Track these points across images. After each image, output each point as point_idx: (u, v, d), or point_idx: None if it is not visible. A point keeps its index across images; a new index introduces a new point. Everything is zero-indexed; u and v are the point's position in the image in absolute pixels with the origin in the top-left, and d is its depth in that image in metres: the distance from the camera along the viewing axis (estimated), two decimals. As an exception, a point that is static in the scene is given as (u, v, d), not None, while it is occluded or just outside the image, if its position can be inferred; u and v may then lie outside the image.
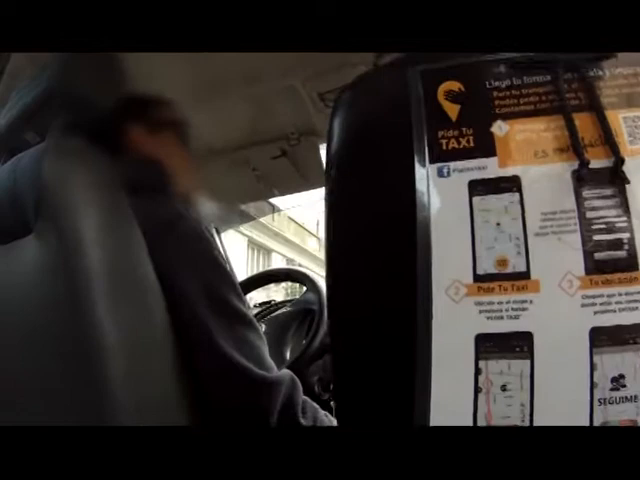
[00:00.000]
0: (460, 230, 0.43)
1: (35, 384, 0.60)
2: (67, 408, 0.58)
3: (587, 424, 0.40)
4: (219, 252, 0.74)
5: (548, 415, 0.41)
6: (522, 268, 0.42)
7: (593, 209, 0.43)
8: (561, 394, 0.41)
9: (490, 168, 0.44)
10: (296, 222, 13.69)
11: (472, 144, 0.45)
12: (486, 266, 0.43)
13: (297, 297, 1.59)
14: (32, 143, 0.72)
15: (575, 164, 0.44)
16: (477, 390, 0.41)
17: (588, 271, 0.42)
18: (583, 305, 0.41)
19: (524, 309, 0.42)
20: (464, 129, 0.46)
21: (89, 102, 0.72)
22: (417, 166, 0.45)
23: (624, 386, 0.40)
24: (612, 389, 0.40)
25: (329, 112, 0.52)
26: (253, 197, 1.60)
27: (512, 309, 0.42)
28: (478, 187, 0.44)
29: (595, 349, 0.40)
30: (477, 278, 0.43)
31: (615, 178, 0.43)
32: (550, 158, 0.44)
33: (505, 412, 0.41)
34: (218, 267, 0.73)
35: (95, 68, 0.71)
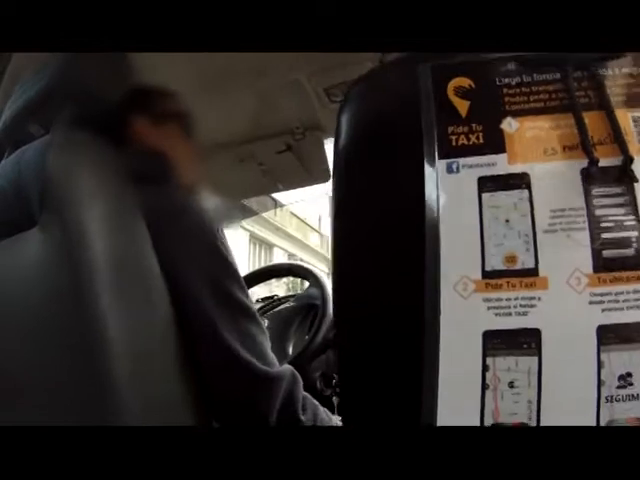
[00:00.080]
0: (469, 226, 0.43)
1: (39, 376, 0.60)
2: (71, 401, 0.58)
3: (594, 422, 0.40)
4: (223, 244, 0.74)
5: (555, 412, 0.41)
6: (531, 265, 0.42)
7: (602, 207, 0.43)
8: (568, 391, 0.41)
9: (500, 165, 0.44)
10: (298, 217, 13.70)
11: (482, 140, 0.45)
12: (495, 262, 0.43)
13: (299, 292, 1.58)
14: (36, 136, 0.72)
15: (584, 162, 0.44)
16: (484, 387, 0.41)
17: (596, 269, 0.42)
18: (591, 302, 0.41)
19: (532, 306, 0.42)
20: (474, 125, 0.46)
21: (93, 95, 0.72)
22: (426, 162, 0.45)
23: (631, 384, 0.40)
24: (619, 387, 0.40)
25: (334, 107, 0.52)
26: (258, 191, 1.59)
27: (520, 306, 0.42)
28: (487, 183, 0.44)
29: (602, 347, 0.41)
30: (485, 274, 0.43)
31: (624, 176, 0.43)
32: (559, 156, 0.44)
33: (512, 409, 0.41)
34: (222, 259, 0.73)
35: (99, 61, 0.71)
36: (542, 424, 0.41)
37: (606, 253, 0.42)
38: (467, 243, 0.43)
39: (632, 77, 0.46)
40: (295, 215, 13.34)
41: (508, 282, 0.42)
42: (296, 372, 0.77)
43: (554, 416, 0.41)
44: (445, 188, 0.44)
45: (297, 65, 1.13)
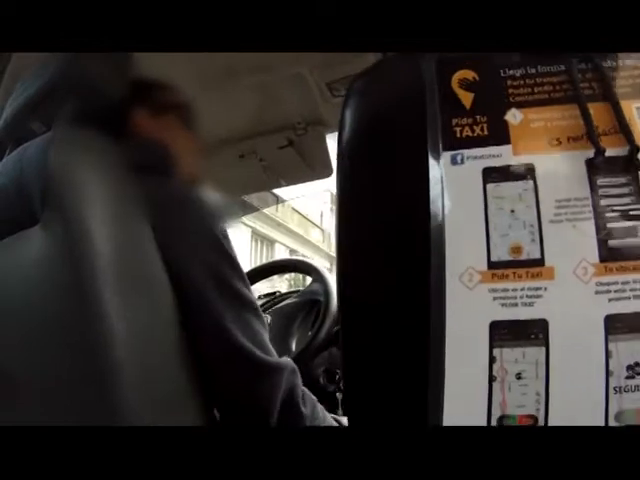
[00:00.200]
0: (474, 217, 0.43)
1: (41, 374, 0.60)
2: (73, 398, 0.58)
3: (603, 413, 0.40)
4: (225, 236, 0.74)
5: (563, 404, 0.41)
6: (536, 255, 0.42)
7: (607, 197, 0.43)
8: (576, 382, 0.41)
9: (504, 156, 0.44)
10: (300, 213, 13.72)
11: (486, 132, 0.45)
12: (500, 253, 0.43)
13: (300, 288, 1.58)
14: (38, 133, 0.72)
15: (588, 153, 0.44)
16: (491, 379, 0.41)
17: (602, 258, 0.41)
18: (598, 292, 0.41)
19: (539, 296, 0.42)
20: (478, 117, 0.46)
21: (95, 91, 0.72)
22: (431, 154, 0.45)
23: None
24: (628, 377, 0.40)
25: (336, 102, 0.52)
26: (259, 187, 1.59)
27: (527, 296, 0.42)
28: (492, 174, 0.44)
29: (610, 336, 0.40)
30: (491, 265, 0.43)
31: (630, 166, 0.43)
32: (564, 146, 0.44)
33: (520, 401, 0.41)
34: (224, 252, 0.73)
35: (100, 57, 0.71)
36: (550, 416, 0.41)
37: (612, 243, 0.42)
38: (472, 234, 0.43)
39: (636, 69, 0.46)
40: (296, 211, 13.35)
41: (514, 272, 0.42)
42: (295, 365, 0.78)
43: (562, 407, 0.40)
44: (450, 179, 0.44)
45: (299, 59, 1.13)
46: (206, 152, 0.99)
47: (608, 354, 0.40)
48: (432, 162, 0.45)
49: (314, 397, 0.82)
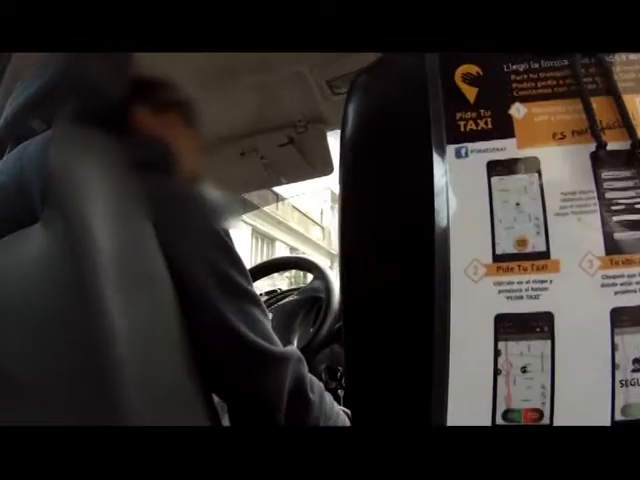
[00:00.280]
0: (479, 210, 0.43)
1: (42, 372, 0.60)
2: (75, 395, 0.58)
3: (609, 407, 0.40)
4: (225, 231, 0.74)
5: (569, 397, 0.40)
6: (542, 248, 0.42)
7: (612, 190, 0.43)
8: (582, 376, 0.40)
9: (509, 149, 0.44)
10: (300, 211, 13.72)
11: (490, 126, 0.45)
12: (505, 246, 0.43)
13: (301, 286, 1.58)
14: (38, 131, 0.72)
15: (593, 146, 0.44)
16: (496, 372, 0.41)
17: (608, 251, 0.41)
18: (603, 285, 0.41)
19: (544, 289, 0.41)
20: (482, 111, 0.46)
21: (95, 89, 0.72)
22: (435, 147, 0.45)
23: (646, 367, 0.40)
24: (634, 370, 0.40)
25: (337, 99, 0.52)
26: (260, 185, 1.59)
27: (532, 289, 0.42)
28: (497, 167, 0.44)
29: (616, 329, 0.40)
30: (496, 258, 0.42)
31: (632, 160, 0.43)
32: (568, 140, 0.44)
33: (525, 394, 0.41)
34: (225, 247, 0.73)
35: (101, 56, 0.71)
36: (556, 410, 0.41)
37: (618, 235, 0.42)
38: (477, 227, 0.43)
39: (639, 63, 0.46)
40: (297, 209, 13.35)
41: (519, 265, 0.42)
42: (300, 353, 0.78)
43: (568, 401, 0.40)
44: (454, 173, 0.44)
45: (299, 58, 1.13)
46: (207, 150, 0.99)
47: (614, 347, 0.40)
48: (436, 156, 0.45)
49: (321, 384, 0.82)
